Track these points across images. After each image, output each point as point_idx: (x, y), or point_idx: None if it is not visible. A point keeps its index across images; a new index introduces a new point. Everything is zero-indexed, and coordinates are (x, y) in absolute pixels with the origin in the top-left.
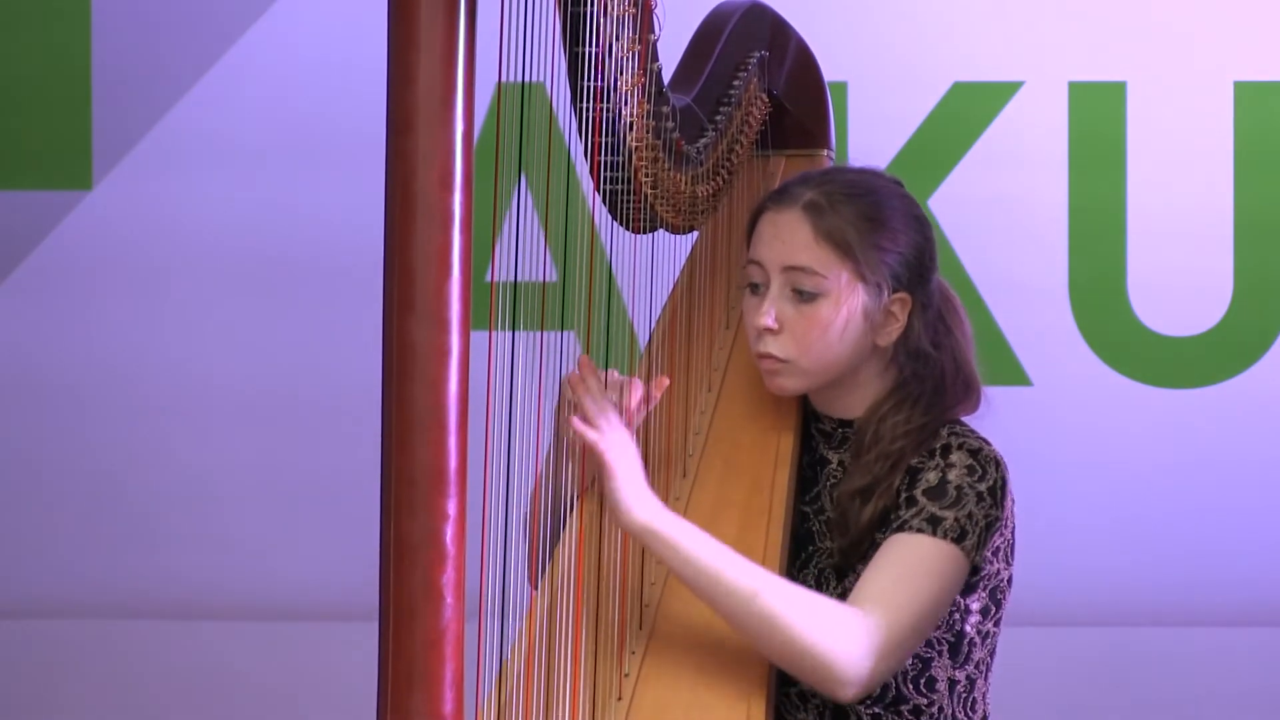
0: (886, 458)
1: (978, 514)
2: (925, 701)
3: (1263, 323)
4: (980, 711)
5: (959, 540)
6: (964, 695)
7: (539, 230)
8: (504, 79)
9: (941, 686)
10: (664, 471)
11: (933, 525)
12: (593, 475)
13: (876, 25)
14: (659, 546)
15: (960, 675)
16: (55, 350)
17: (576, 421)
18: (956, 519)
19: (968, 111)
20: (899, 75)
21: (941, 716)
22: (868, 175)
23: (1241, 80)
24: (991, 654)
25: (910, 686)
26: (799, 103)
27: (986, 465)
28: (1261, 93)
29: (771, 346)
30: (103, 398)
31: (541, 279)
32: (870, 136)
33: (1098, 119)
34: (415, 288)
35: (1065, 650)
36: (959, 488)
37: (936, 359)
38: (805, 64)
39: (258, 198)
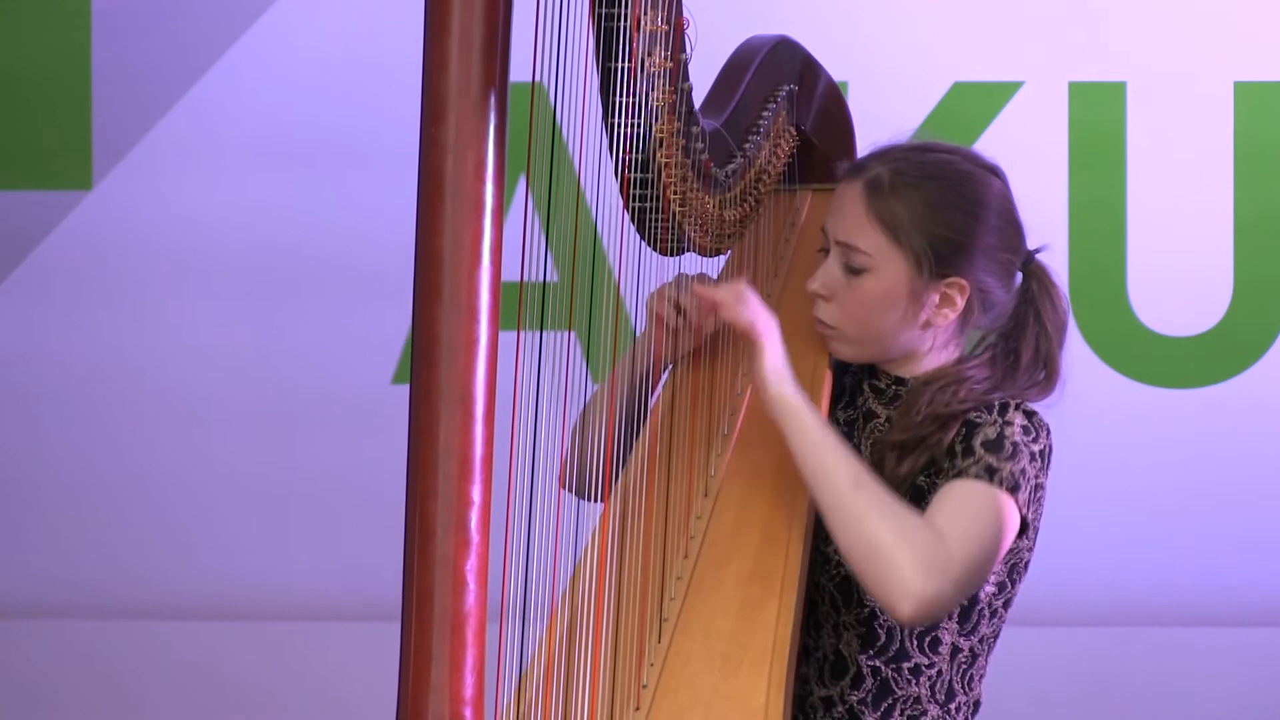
0: (936, 419)
1: (1030, 471)
2: (926, 661)
3: (1263, 323)
4: (976, 693)
5: (1013, 491)
6: (964, 666)
7: (560, 231)
8: (535, 80)
9: (944, 649)
10: (687, 483)
11: (990, 474)
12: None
13: (876, 25)
14: (788, 419)
15: (965, 644)
16: (55, 350)
17: (724, 308)
18: (1011, 471)
19: (968, 111)
20: (899, 75)
21: (939, 680)
22: (952, 158)
23: (1241, 80)
24: (995, 637)
25: (914, 643)
26: (827, 139)
27: (1039, 429)
28: (1261, 93)
29: (821, 312)
30: (102, 398)
31: (570, 281)
32: (870, 136)
33: (1098, 119)
34: (444, 277)
35: (1064, 650)
36: (1015, 444)
37: (1007, 346)
38: (834, 101)
39: (257, 198)
